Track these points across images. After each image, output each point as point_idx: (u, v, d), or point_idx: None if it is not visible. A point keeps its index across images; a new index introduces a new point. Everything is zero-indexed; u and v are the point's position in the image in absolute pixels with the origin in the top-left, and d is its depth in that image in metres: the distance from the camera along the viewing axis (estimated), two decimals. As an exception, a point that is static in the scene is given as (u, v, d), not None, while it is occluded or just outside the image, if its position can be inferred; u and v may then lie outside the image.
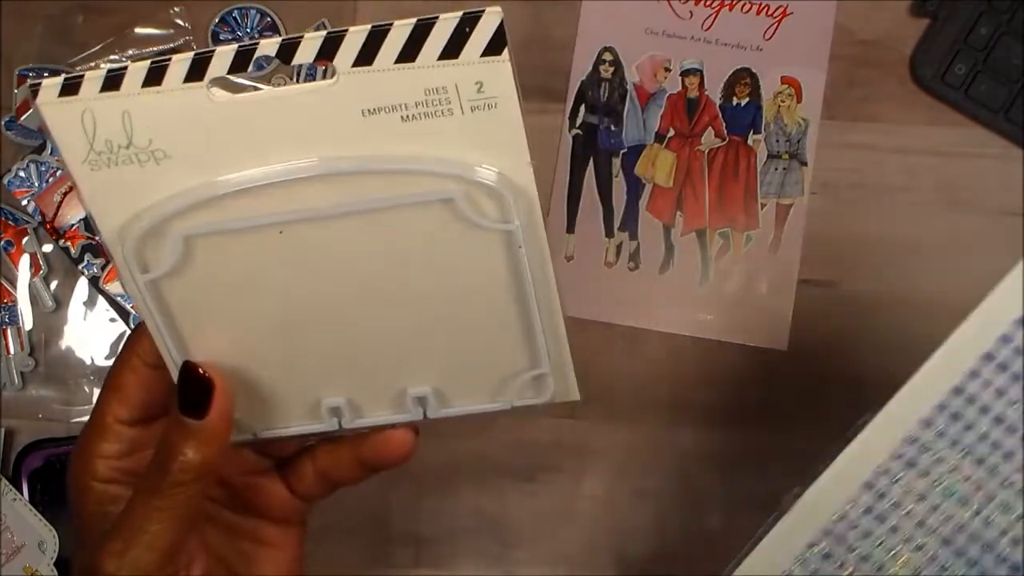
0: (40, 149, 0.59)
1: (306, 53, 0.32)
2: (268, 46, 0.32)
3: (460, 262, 0.35)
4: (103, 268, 0.59)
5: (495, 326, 0.36)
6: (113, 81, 0.32)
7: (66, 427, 0.59)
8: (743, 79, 0.58)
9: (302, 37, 0.32)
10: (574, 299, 0.57)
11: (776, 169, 0.58)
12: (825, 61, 0.58)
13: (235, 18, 0.60)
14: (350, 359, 0.37)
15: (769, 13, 0.58)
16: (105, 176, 0.33)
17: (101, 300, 0.59)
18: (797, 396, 0.57)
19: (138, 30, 0.60)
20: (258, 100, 0.32)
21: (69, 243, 0.59)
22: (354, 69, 0.32)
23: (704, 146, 0.58)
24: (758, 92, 0.58)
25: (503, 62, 0.32)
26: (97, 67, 0.58)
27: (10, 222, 0.59)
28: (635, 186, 0.59)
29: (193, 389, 0.34)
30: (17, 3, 0.60)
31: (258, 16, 0.60)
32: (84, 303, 0.60)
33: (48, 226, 0.59)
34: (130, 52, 0.60)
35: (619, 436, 0.58)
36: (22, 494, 0.57)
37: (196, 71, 0.32)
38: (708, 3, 0.58)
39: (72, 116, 0.32)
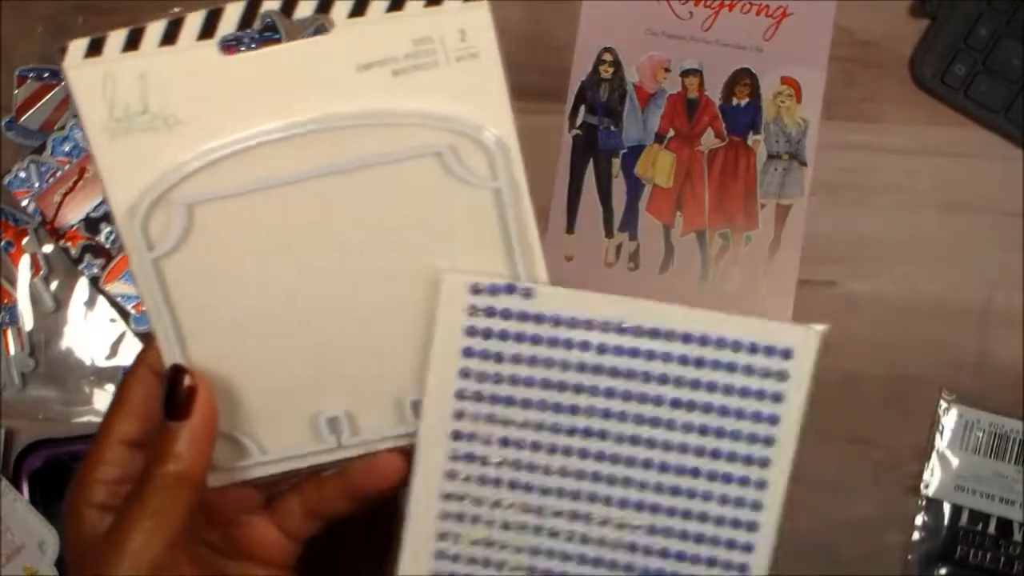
0: (40, 150, 0.59)
1: (307, 5, 0.33)
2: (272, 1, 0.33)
3: (451, 223, 0.35)
4: (103, 268, 0.59)
5: None
6: (133, 38, 0.33)
7: (66, 427, 0.59)
8: (743, 79, 0.58)
9: None
10: (574, 299, 0.57)
11: (776, 169, 0.58)
12: (825, 61, 0.58)
13: (235, 18, 0.60)
14: (345, 358, 0.36)
15: (769, 14, 0.58)
16: (122, 146, 0.33)
17: (101, 300, 0.59)
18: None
19: (138, 31, 0.60)
20: (262, 57, 0.33)
21: (69, 243, 0.59)
22: (350, 20, 0.33)
23: (704, 146, 0.58)
24: (758, 92, 0.58)
25: (481, 6, 0.33)
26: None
27: (10, 222, 0.59)
28: (635, 186, 0.59)
29: (177, 392, 0.34)
30: (17, 3, 0.60)
31: (258, 16, 0.60)
32: (84, 303, 0.60)
33: (48, 227, 0.59)
34: (130, 52, 0.60)
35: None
36: (22, 494, 0.57)
37: (208, 27, 0.33)
38: (708, 3, 0.58)
39: (94, 79, 0.33)
